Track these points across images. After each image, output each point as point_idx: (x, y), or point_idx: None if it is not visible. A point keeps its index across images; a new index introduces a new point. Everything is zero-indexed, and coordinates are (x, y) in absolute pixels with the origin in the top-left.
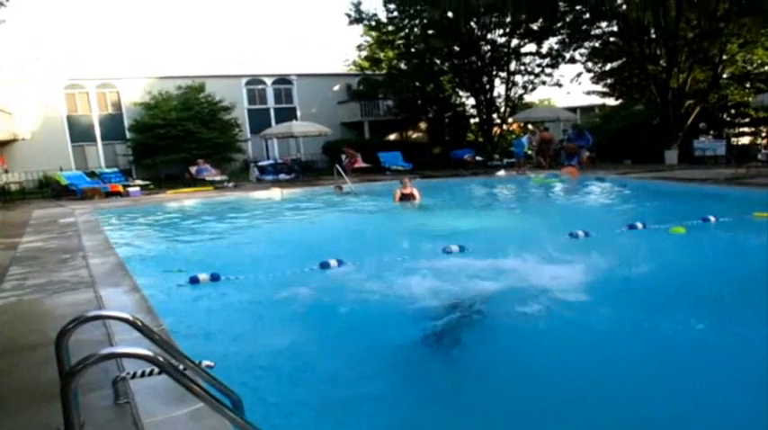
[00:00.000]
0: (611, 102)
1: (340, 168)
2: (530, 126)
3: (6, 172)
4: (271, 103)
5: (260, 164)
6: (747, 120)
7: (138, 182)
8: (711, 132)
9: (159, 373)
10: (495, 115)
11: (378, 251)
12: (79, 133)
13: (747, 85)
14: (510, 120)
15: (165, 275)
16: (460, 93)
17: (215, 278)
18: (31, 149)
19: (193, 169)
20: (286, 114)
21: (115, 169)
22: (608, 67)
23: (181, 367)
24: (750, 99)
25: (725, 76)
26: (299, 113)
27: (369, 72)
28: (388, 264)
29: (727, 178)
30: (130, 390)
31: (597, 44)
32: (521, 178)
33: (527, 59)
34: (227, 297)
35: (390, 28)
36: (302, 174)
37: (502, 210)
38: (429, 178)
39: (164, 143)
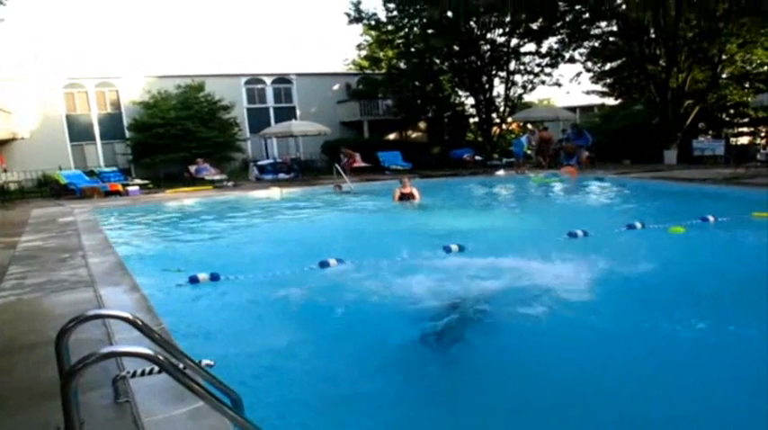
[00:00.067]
0: (611, 101)
1: (339, 168)
2: (529, 126)
3: (5, 171)
4: (270, 102)
5: (259, 163)
6: (746, 120)
7: (138, 181)
8: (710, 132)
9: (159, 372)
10: (494, 115)
11: (377, 250)
12: (78, 132)
13: (746, 85)
14: (509, 119)
15: (165, 275)
16: (460, 92)
17: (214, 277)
18: (30, 148)
19: (193, 168)
20: (285, 113)
21: (114, 168)
22: (607, 66)
23: (181, 366)
24: (749, 99)
25: (724, 75)
26: (298, 113)
27: (368, 71)
28: (388, 263)
29: (726, 178)
30: (130, 389)
31: (597, 44)
32: (520, 178)
33: (526, 59)
34: (226, 296)
35: (390, 27)
36: (301, 174)
37: (501, 209)
38: (428, 178)
39: (163, 142)
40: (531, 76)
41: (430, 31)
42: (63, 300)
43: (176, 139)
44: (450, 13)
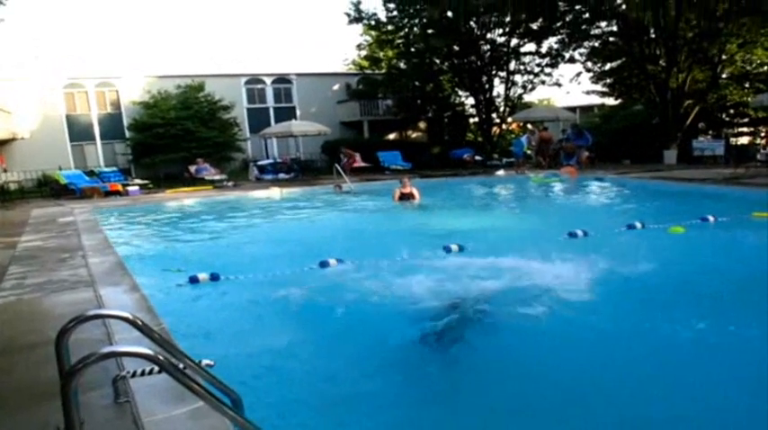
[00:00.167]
0: (611, 101)
1: (339, 168)
2: (529, 126)
3: (5, 171)
4: (270, 102)
5: (259, 163)
6: (746, 120)
7: (138, 181)
8: (710, 132)
9: (159, 372)
10: (494, 115)
11: (377, 250)
12: (78, 132)
13: (746, 85)
14: (509, 119)
15: (165, 275)
16: (460, 92)
17: (214, 277)
18: (30, 148)
19: (193, 168)
20: (285, 113)
21: (114, 168)
22: (607, 66)
23: (181, 366)
24: (749, 99)
25: (724, 75)
26: (298, 113)
27: (368, 71)
28: (388, 263)
29: (726, 178)
30: (130, 389)
31: (597, 44)
32: (520, 178)
33: (526, 59)
34: (226, 296)
35: (390, 27)
36: (301, 174)
37: (501, 209)
38: (428, 178)
39: (163, 142)
40: (531, 76)
41: (430, 31)
42: (63, 300)
43: (176, 139)
44: (450, 13)
